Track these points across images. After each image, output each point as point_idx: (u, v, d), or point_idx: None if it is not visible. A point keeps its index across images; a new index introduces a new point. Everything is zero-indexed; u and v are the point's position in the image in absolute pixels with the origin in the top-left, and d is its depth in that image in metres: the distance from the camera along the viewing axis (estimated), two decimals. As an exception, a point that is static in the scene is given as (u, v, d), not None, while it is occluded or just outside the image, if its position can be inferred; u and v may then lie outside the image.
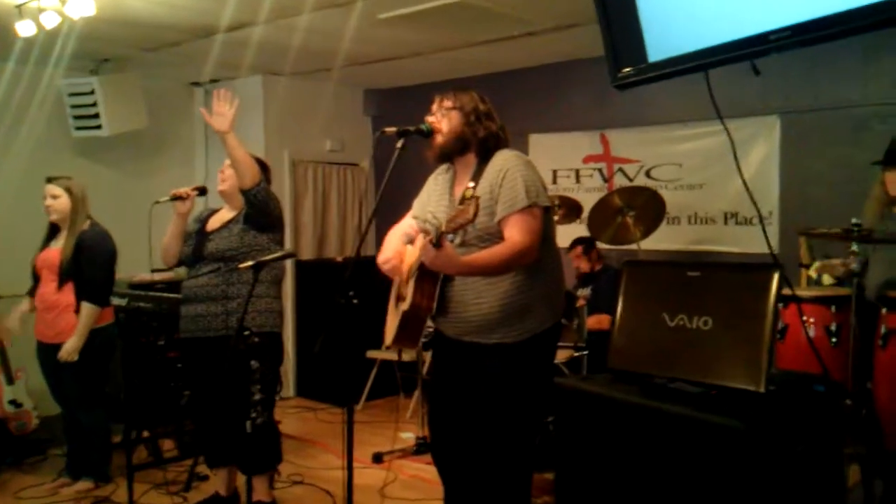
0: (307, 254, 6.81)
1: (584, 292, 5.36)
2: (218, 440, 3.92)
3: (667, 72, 2.12)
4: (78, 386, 4.17)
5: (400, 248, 3.07)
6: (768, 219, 5.14)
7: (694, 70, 2.06)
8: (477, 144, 2.94)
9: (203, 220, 3.99)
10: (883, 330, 3.38)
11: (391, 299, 3.10)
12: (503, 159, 2.87)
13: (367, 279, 2.91)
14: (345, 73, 6.39)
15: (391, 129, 2.99)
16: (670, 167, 5.58)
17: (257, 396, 3.82)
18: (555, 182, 6.15)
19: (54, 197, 4.18)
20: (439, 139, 2.96)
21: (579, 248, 5.43)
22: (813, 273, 4.38)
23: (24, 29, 4.09)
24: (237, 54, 5.59)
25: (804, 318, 3.58)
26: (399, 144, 2.90)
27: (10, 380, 4.93)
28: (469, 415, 2.92)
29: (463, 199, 2.70)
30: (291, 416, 5.94)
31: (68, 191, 4.20)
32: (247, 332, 3.39)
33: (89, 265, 4.11)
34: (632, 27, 2.16)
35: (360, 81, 6.91)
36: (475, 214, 2.48)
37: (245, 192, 3.74)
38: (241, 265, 3.47)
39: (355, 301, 2.88)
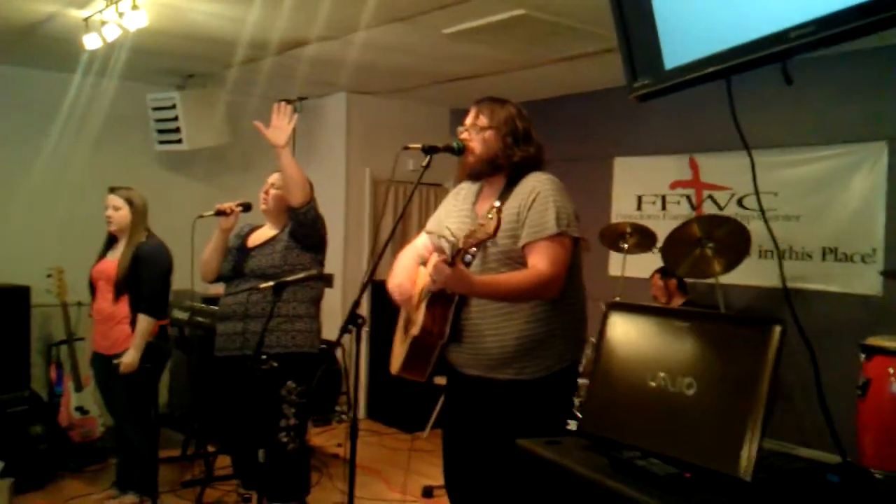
0: (385, 274, 6.68)
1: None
2: (249, 463, 3.82)
3: (685, 80, 1.83)
4: (127, 398, 4.17)
5: (412, 270, 2.87)
6: (871, 257, 4.60)
7: (714, 77, 1.75)
8: (510, 167, 2.71)
9: (244, 236, 3.93)
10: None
11: (399, 323, 2.90)
12: (536, 181, 2.66)
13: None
14: (429, 92, 6.30)
15: (416, 146, 2.84)
16: (765, 196, 5.10)
17: (292, 420, 3.72)
18: (639, 208, 5.78)
19: (116, 208, 4.21)
20: (471, 160, 2.76)
21: (657, 277, 5.06)
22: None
23: (91, 42, 4.17)
24: (316, 72, 5.59)
25: (892, 372, 3.10)
26: (424, 162, 2.76)
27: (79, 387, 5.01)
28: (481, 455, 2.68)
29: (486, 217, 2.49)
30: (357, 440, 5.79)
31: (129, 202, 4.22)
32: (264, 357, 3.28)
33: (146, 277, 4.11)
34: (648, 33, 1.88)
35: (445, 101, 6.78)
36: (496, 229, 2.29)
37: (294, 210, 3.66)
38: (262, 285, 3.37)
39: (363, 325, 2.73)
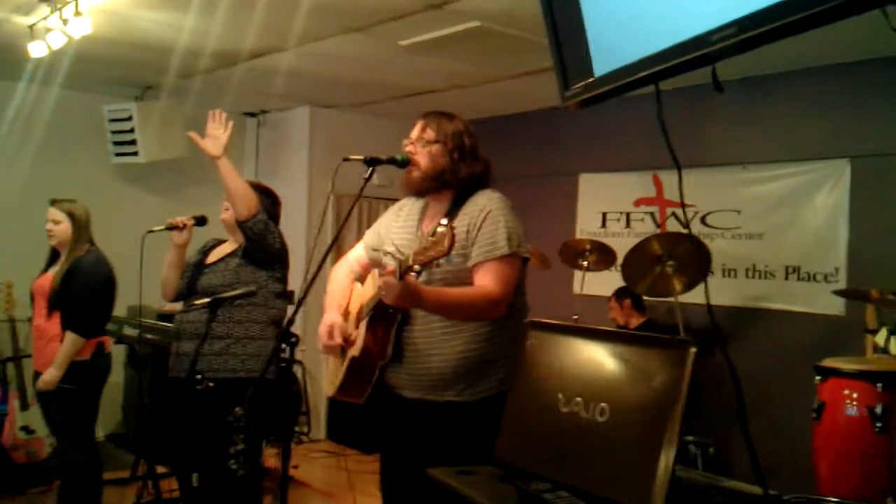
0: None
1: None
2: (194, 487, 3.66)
3: (614, 86, 1.74)
4: (64, 419, 3.99)
5: (347, 288, 2.76)
6: (834, 276, 4.53)
7: (642, 83, 1.66)
8: (456, 184, 2.62)
9: (205, 252, 3.80)
10: (938, 416, 2.79)
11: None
12: (486, 199, 2.57)
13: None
14: (392, 106, 6.21)
15: (357, 157, 2.74)
16: (728, 214, 5.04)
17: (240, 446, 3.58)
18: (604, 226, 5.71)
19: (56, 222, 4.04)
20: (415, 174, 2.66)
21: (613, 299, 4.98)
22: (880, 340, 3.78)
23: (36, 50, 4.05)
24: (275, 84, 5.50)
25: (847, 395, 3.01)
26: (366, 174, 2.66)
27: (25, 405, 4.84)
28: (420, 483, 2.55)
29: (435, 233, 2.37)
30: (314, 462, 5.65)
31: (70, 215, 4.06)
32: (199, 376, 3.14)
33: (79, 293, 3.93)
34: (578, 40, 1.81)
35: (409, 116, 6.60)
36: (450, 247, 2.17)
37: (241, 224, 3.51)
38: (197, 301, 3.23)
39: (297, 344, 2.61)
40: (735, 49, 1.41)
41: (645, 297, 4.87)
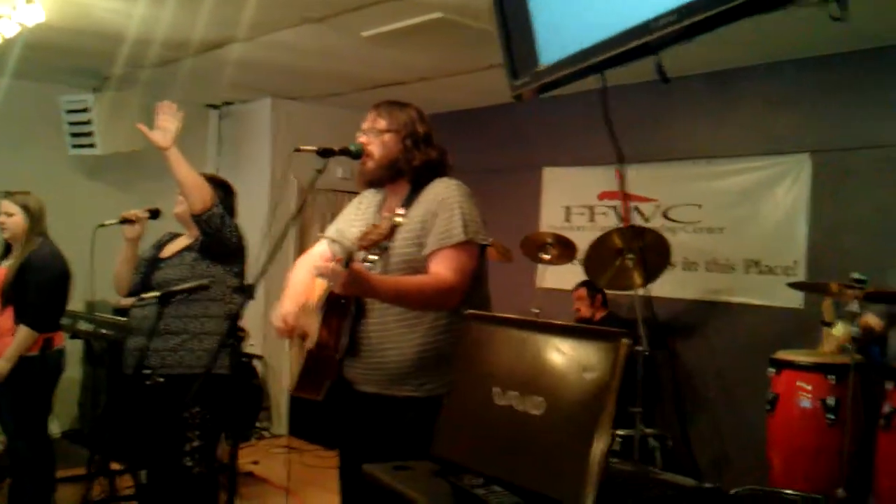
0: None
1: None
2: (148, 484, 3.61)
3: (560, 76, 1.72)
4: (14, 415, 3.90)
5: (309, 283, 2.71)
6: (793, 270, 4.57)
7: (587, 72, 1.65)
8: (411, 172, 2.58)
9: (159, 247, 3.72)
10: (887, 408, 2.81)
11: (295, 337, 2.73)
12: (443, 187, 2.53)
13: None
14: (356, 98, 6.14)
15: (309, 148, 2.71)
16: (689, 208, 5.07)
17: (196, 443, 3.52)
18: (568, 220, 5.71)
19: (9, 214, 3.96)
20: (370, 165, 2.63)
21: (584, 291, 4.98)
22: (836, 333, 3.81)
23: (-15, 38, 3.93)
24: (236, 75, 5.42)
25: (800, 387, 3.03)
26: (320, 167, 2.64)
27: (-25, 402, 4.72)
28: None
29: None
30: (275, 458, 5.59)
31: (24, 208, 3.97)
32: (148, 371, 3.08)
33: (32, 286, 3.85)
34: (526, 31, 1.79)
35: (374, 108, 6.64)
36: (391, 230, 2.20)
37: (195, 218, 3.43)
38: (146, 295, 3.17)
39: (247, 340, 2.56)
40: (676, 37, 1.39)
41: (606, 291, 4.88)
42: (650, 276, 4.34)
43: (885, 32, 4.03)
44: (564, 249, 4.72)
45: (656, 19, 1.40)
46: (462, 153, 6.11)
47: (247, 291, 3.84)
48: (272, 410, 6.12)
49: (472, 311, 1.58)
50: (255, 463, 5.34)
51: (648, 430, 4.11)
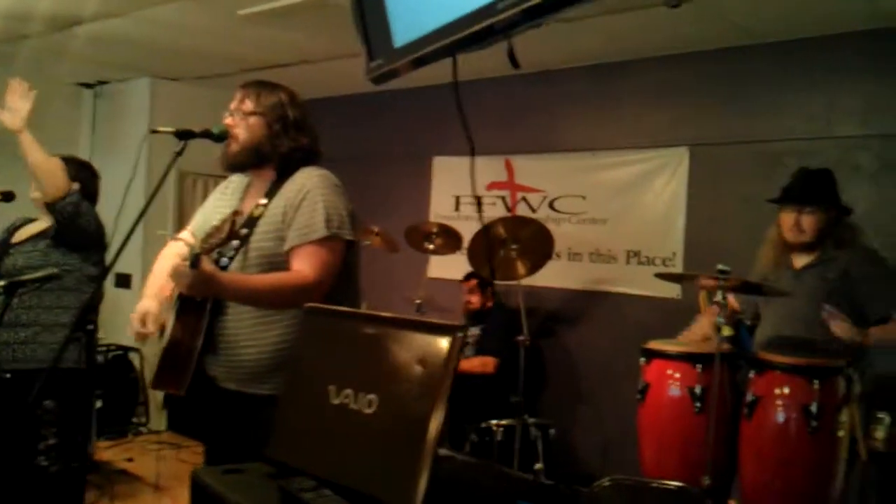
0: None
1: (475, 331, 4.87)
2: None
3: (413, 58, 1.65)
4: None
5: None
6: (672, 260, 4.67)
7: (439, 54, 1.58)
8: (277, 159, 2.46)
9: (10, 231, 3.47)
10: (749, 397, 2.88)
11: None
12: (306, 177, 2.41)
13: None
14: (240, 80, 5.84)
15: (166, 129, 2.57)
16: (574, 199, 5.11)
17: (51, 441, 3.31)
18: (457, 209, 5.67)
19: None
20: (234, 148, 2.51)
21: (474, 282, 4.95)
22: (705, 322, 3.90)
23: None
24: (108, 52, 5.14)
25: (670, 375, 3.07)
26: (178, 148, 2.50)
27: None
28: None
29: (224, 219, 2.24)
30: (151, 454, 5.34)
31: None
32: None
33: None
34: (380, 11, 1.69)
35: (261, 91, 6.42)
36: (231, 234, 2.10)
37: (48, 206, 3.21)
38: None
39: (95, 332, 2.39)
40: (519, 19, 1.33)
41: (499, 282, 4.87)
42: (534, 266, 4.34)
43: (760, 28, 4.13)
44: (449, 239, 4.67)
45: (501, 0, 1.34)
46: (350, 140, 6.05)
47: (98, 282, 3.64)
48: (150, 405, 5.85)
49: (309, 304, 1.49)
50: (130, 460, 5.09)
51: (531, 420, 4.11)
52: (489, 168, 5.48)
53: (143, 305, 2.44)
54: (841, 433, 2.83)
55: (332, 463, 1.24)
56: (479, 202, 5.62)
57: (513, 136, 5.36)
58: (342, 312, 1.44)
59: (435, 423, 1.12)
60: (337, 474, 1.23)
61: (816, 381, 2.78)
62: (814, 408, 2.75)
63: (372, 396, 1.23)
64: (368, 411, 1.22)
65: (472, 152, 1.64)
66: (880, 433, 3.39)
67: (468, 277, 4.98)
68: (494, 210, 5.45)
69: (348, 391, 1.27)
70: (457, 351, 1.15)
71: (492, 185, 5.50)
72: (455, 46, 1.51)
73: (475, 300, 4.97)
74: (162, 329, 2.46)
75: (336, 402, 1.28)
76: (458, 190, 5.68)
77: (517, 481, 1.30)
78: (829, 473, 2.82)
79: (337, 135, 5.92)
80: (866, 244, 3.30)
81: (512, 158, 5.38)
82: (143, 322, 2.40)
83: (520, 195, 5.36)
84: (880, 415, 3.41)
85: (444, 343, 1.17)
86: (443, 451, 1.23)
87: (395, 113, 5.96)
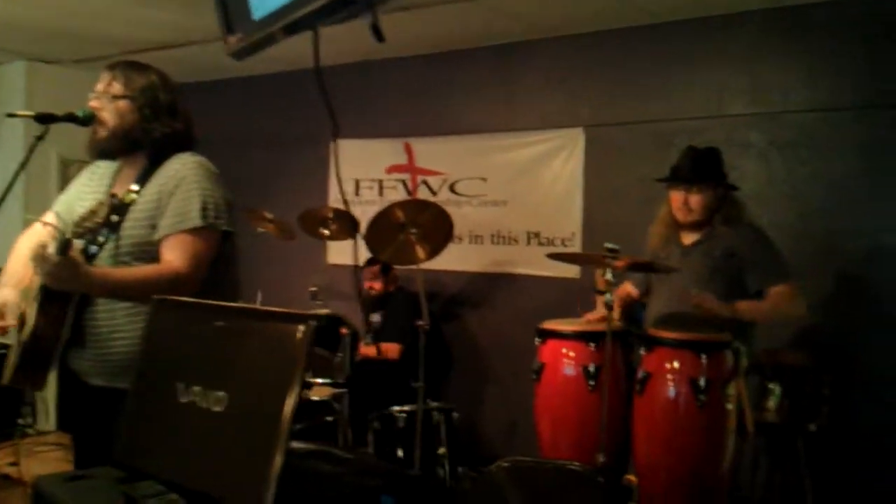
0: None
1: (375, 318, 4.79)
2: None
3: (273, 31, 1.54)
4: None
5: (29, 267, 2.40)
6: (571, 240, 4.69)
7: (299, 26, 1.48)
8: (149, 145, 2.34)
9: None
10: (640, 373, 2.91)
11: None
12: (181, 164, 2.32)
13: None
14: (127, 63, 5.65)
15: (25, 113, 2.42)
16: (474, 181, 5.08)
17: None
18: (357, 193, 5.56)
19: None
20: (101, 133, 2.39)
21: (377, 267, 4.87)
22: (601, 301, 3.94)
23: None
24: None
25: (564, 354, 3.08)
26: (39, 133, 2.36)
27: None
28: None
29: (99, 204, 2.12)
30: (39, 456, 5.08)
31: None
32: None
33: None
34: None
35: (150, 74, 6.15)
36: (108, 216, 2.05)
37: None
38: None
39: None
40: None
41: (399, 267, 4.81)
42: (434, 250, 4.29)
43: (657, 8, 4.17)
44: (346, 224, 4.57)
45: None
46: (242, 123, 5.85)
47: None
48: (37, 405, 5.55)
49: (158, 297, 1.38)
50: (14, 464, 4.81)
51: (433, 405, 4.06)
52: (389, 151, 5.40)
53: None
54: (729, 406, 2.89)
55: (180, 466, 1.15)
56: (345, 189, 5.52)
57: (413, 119, 5.29)
58: (192, 304, 1.35)
59: (286, 419, 1.05)
60: (185, 477, 1.14)
61: (704, 356, 2.82)
62: (702, 382, 2.80)
63: (221, 394, 1.14)
64: (217, 409, 1.14)
65: (335, 135, 1.55)
66: (772, 403, 3.50)
67: (370, 263, 4.89)
68: (395, 194, 5.38)
69: (196, 388, 1.18)
70: (308, 342, 1.07)
71: (392, 169, 5.43)
72: (314, 17, 1.41)
73: (377, 286, 4.89)
74: (22, 321, 2.32)
75: (184, 400, 1.19)
76: (357, 173, 5.57)
77: (383, 475, 1.24)
78: (718, 446, 2.88)
79: (229, 119, 5.73)
80: (752, 221, 3.38)
81: (412, 141, 5.31)
82: (1, 314, 2.26)
83: (420, 178, 5.30)
84: (771, 385, 3.52)
85: (295, 334, 1.09)
86: (299, 446, 1.16)
87: (291, 95, 5.79)
